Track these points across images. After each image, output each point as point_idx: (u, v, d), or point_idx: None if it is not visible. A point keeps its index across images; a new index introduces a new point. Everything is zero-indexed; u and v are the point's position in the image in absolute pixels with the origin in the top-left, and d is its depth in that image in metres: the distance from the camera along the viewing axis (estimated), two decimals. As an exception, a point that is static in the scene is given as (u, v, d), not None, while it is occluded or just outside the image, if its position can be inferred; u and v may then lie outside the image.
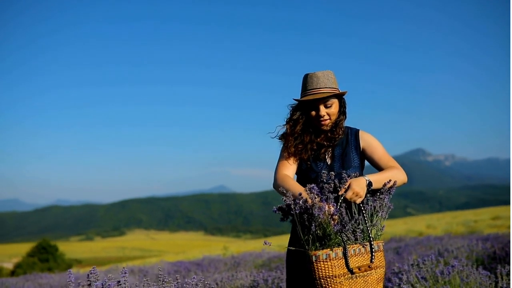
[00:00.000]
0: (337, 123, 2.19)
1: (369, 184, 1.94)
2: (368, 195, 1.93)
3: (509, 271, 2.94)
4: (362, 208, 1.86)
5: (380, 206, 1.91)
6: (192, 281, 2.23)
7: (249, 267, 6.69)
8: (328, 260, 1.75)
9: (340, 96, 2.19)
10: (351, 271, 1.78)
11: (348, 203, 1.87)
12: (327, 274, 1.76)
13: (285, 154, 2.23)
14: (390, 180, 1.97)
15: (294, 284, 2.09)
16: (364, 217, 1.84)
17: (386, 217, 1.93)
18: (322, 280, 1.77)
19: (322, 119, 2.14)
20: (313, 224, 1.75)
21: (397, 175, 2.06)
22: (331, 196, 1.80)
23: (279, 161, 2.24)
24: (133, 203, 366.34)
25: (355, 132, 2.25)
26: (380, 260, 1.87)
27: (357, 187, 1.87)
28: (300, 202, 1.76)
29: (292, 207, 1.77)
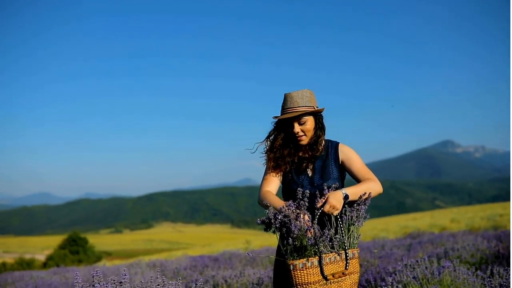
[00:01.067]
0: (316, 140, 2.35)
1: (346, 197, 2.11)
2: (345, 206, 2.09)
3: (500, 270, 3.05)
4: (339, 219, 2.03)
5: (356, 217, 2.07)
6: (200, 279, 2.39)
7: (264, 263, 6.88)
8: (304, 269, 1.95)
9: (316, 114, 2.35)
10: (325, 278, 1.97)
11: (327, 214, 2.04)
12: (303, 281, 1.96)
13: (267, 169, 2.42)
14: (365, 193, 2.13)
15: (279, 285, 2.28)
16: (341, 227, 2.01)
17: (362, 225, 2.10)
18: (299, 286, 1.97)
19: (297, 135, 2.32)
20: (290, 237, 1.94)
21: (372, 187, 2.22)
22: (304, 212, 1.98)
23: (263, 177, 2.43)
24: (160, 196, 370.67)
25: (335, 146, 2.41)
26: (354, 267, 2.05)
27: (334, 200, 2.04)
28: (279, 217, 1.95)
29: (273, 221, 1.96)
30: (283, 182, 2.41)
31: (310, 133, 2.34)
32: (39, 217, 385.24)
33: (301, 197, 2.05)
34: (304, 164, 2.37)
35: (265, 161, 2.43)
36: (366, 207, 2.13)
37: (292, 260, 1.96)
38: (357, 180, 2.34)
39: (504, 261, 4.36)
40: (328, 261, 1.98)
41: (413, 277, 3.00)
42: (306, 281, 1.95)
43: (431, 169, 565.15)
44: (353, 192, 2.15)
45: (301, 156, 2.39)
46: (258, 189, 2.39)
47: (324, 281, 1.97)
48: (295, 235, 1.94)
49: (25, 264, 39.32)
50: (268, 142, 2.43)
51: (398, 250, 6.40)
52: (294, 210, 1.98)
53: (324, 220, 2.05)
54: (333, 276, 1.98)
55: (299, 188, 2.13)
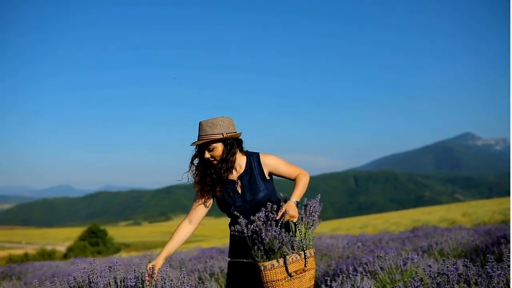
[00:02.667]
0: (226, 161, 2.53)
1: (297, 203, 2.47)
2: (301, 212, 2.48)
3: (467, 262, 3.38)
4: (297, 225, 2.42)
5: (311, 222, 2.47)
6: (196, 267, 2.78)
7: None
8: (273, 269, 2.34)
9: (225, 140, 2.52)
10: (290, 275, 2.35)
11: (287, 223, 2.45)
12: (272, 279, 2.35)
13: (195, 195, 2.67)
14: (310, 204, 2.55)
15: (234, 278, 2.63)
16: (299, 232, 2.41)
17: (316, 228, 2.50)
18: (269, 284, 2.36)
19: (208, 161, 2.54)
20: (261, 243, 2.36)
21: (305, 180, 2.59)
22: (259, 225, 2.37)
23: (193, 202, 2.69)
24: (178, 189, 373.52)
25: (257, 159, 2.61)
26: (311, 264, 2.43)
27: (292, 211, 2.39)
28: (251, 227, 2.37)
29: (245, 231, 2.37)
30: (220, 205, 2.62)
31: (218, 158, 2.53)
32: (60, 209, 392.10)
33: (238, 214, 2.45)
34: (232, 184, 2.59)
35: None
36: (318, 213, 2.53)
37: (263, 262, 2.35)
38: (289, 179, 2.64)
39: (481, 254, 4.67)
40: (291, 261, 2.36)
41: (381, 268, 3.36)
42: (275, 279, 2.34)
43: (451, 162, 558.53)
44: (298, 195, 2.52)
45: (226, 178, 2.57)
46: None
47: (289, 277, 2.36)
48: (266, 242, 2.34)
49: (47, 255, 40.39)
50: (193, 170, 2.62)
51: (393, 243, 6.72)
52: (264, 222, 2.37)
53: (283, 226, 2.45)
54: (295, 273, 2.36)
55: (233, 210, 2.52)
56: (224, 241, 30.48)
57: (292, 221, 2.42)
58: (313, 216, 2.50)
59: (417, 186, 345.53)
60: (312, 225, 2.48)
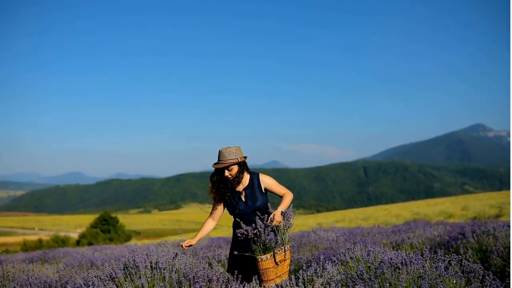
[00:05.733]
0: (237, 178, 3.67)
1: (282, 213, 3.48)
2: (283, 218, 3.45)
3: (424, 253, 4.28)
4: (281, 228, 3.38)
5: (289, 224, 3.44)
6: (206, 255, 3.75)
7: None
8: (266, 260, 3.35)
9: (239, 163, 3.65)
10: (276, 263, 3.38)
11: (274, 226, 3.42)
12: (265, 267, 3.35)
13: (214, 202, 3.79)
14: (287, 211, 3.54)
15: (236, 265, 3.64)
16: (281, 232, 3.38)
17: (290, 228, 3.46)
18: (263, 271, 3.35)
19: (227, 177, 3.67)
20: (260, 242, 3.34)
21: (289, 198, 3.64)
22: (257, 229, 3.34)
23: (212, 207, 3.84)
24: (188, 178, 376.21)
25: (257, 177, 3.74)
26: (288, 255, 3.46)
27: (278, 217, 3.40)
28: (254, 232, 3.37)
29: (250, 233, 3.36)
30: (228, 208, 3.73)
31: (233, 176, 3.67)
32: (71, 196, 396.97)
33: (245, 216, 3.53)
34: (239, 194, 3.72)
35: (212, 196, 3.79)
36: (293, 214, 3.50)
37: (260, 255, 3.35)
38: (278, 195, 3.74)
39: (443, 247, 5.56)
40: (277, 253, 3.37)
41: (350, 257, 4.29)
42: (267, 267, 3.35)
43: (461, 153, 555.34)
44: (283, 207, 3.57)
45: (235, 189, 3.71)
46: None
47: (276, 265, 3.37)
48: (264, 241, 3.35)
49: (60, 242, 41.63)
50: (211, 184, 3.77)
51: (379, 236, 7.62)
52: (263, 228, 3.35)
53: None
54: (279, 262, 3.38)
55: (237, 211, 3.63)
56: (231, 231, 31.51)
57: (279, 225, 3.42)
58: (289, 220, 3.45)
59: (427, 177, 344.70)
60: (288, 227, 3.44)
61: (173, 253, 3.68)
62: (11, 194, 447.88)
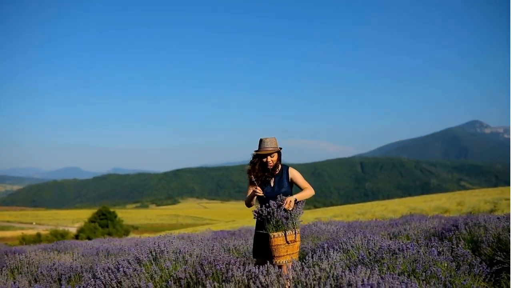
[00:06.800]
0: (276, 166, 4.10)
1: (295, 200, 3.82)
2: (296, 204, 3.81)
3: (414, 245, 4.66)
4: (292, 212, 3.74)
5: (299, 212, 3.80)
6: (213, 244, 4.13)
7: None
8: (278, 237, 3.71)
9: (278, 152, 4.07)
10: (287, 242, 3.71)
11: (286, 210, 3.77)
12: (277, 244, 3.70)
13: (249, 183, 4.15)
14: (302, 201, 3.88)
15: (258, 249, 3.99)
16: (293, 217, 3.74)
17: (301, 214, 3.82)
18: (274, 247, 3.70)
19: (268, 164, 4.05)
20: (273, 220, 3.67)
21: (308, 193, 3.99)
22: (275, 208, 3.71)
23: (248, 187, 4.19)
24: (185, 173, 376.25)
25: (287, 169, 4.14)
26: (298, 238, 3.76)
27: (291, 201, 3.76)
28: (268, 210, 3.71)
29: (264, 213, 3.70)
30: None
31: (274, 162, 4.07)
32: (69, 191, 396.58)
33: (279, 201, 3.81)
34: (269, 179, 4.12)
35: (248, 178, 4.18)
36: (303, 206, 3.85)
37: (272, 232, 3.71)
38: (300, 188, 4.09)
39: (437, 237, 5.95)
40: (289, 233, 3.72)
41: (351, 246, 4.68)
42: (278, 244, 3.70)
43: (458, 150, 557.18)
44: (299, 196, 3.91)
45: (267, 174, 4.12)
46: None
47: (286, 244, 3.71)
48: (276, 219, 3.70)
49: (59, 235, 41.85)
50: (250, 166, 4.16)
51: (377, 229, 8.02)
52: (276, 207, 3.71)
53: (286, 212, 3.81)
54: (290, 242, 3.72)
55: (264, 194, 3.94)
56: (231, 225, 32.07)
57: (289, 209, 3.76)
58: (300, 208, 3.82)
59: (423, 173, 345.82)
60: (299, 213, 3.81)
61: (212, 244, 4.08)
62: (8, 188, 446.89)
